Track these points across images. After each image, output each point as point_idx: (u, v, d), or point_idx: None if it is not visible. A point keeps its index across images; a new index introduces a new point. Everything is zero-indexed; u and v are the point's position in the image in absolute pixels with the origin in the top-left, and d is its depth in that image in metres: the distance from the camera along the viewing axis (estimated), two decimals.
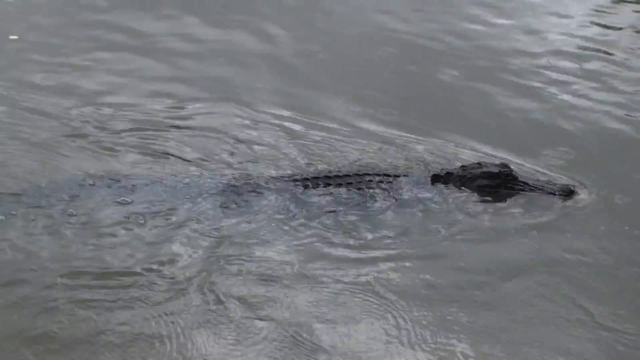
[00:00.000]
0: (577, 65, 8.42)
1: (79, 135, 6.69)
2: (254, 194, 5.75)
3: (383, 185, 5.74)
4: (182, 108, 7.27)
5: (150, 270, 5.12)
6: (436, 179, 5.83)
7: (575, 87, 7.92)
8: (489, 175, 5.77)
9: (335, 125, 6.79)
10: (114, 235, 5.44)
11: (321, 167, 6.17)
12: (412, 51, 8.65)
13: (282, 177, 5.90)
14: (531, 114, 7.27)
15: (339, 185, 5.73)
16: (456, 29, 9.23)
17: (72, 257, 5.21)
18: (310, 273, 5.09)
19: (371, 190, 5.71)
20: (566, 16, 9.82)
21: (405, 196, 5.71)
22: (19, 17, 9.18)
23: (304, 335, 4.63)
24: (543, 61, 8.49)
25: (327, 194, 5.70)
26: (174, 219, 5.60)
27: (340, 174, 5.83)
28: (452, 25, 9.31)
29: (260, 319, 4.71)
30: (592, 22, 9.65)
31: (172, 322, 4.66)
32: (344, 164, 6.13)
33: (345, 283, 5.00)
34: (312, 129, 6.75)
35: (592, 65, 8.42)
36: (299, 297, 4.88)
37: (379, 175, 5.81)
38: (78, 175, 6.09)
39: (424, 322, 4.69)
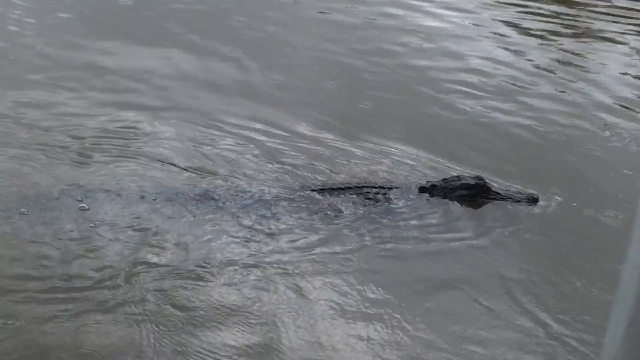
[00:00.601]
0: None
1: (47, 145, 6.91)
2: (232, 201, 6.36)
3: (378, 196, 6.58)
4: (155, 120, 7.67)
5: (104, 278, 5.28)
6: (422, 190, 6.70)
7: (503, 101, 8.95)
8: (467, 187, 6.64)
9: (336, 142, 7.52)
10: (62, 241, 5.61)
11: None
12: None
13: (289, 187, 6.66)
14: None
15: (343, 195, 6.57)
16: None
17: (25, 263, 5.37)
18: (248, 274, 5.45)
19: (368, 200, 6.53)
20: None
21: (396, 205, 6.53)
22: None
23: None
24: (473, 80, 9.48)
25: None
26: (127, 226, 5.88)
27: (343, 186, 6.64)
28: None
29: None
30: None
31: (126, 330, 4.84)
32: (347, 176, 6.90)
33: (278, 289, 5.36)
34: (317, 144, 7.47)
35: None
36: (229, 298, 5.21)
37: (375, 187, 6.66)
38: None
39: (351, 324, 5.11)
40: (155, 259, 5.56)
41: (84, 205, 6.06)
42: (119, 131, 7.43)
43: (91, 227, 5.85)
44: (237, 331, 4.95)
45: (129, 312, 5.01)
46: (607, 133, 8.20)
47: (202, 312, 5.08)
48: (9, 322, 4.84)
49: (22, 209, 5.92)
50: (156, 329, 4.89)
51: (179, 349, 4.76)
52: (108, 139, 7.24)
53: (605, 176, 7.36)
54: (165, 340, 4.81)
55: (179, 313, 5.05)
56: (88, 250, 5.62)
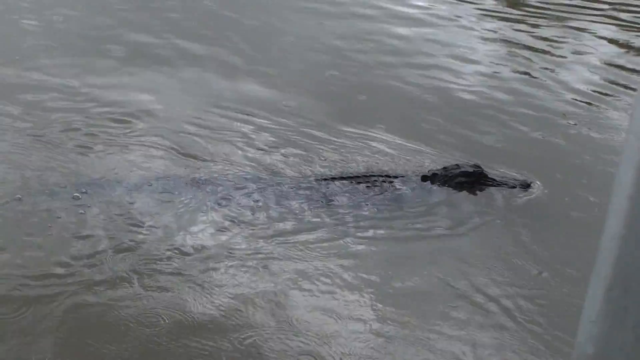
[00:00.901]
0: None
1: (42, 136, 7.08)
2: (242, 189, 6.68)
3: (385, 185, 6.98)
4: (151, 106, 7.94)
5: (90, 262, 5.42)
6: (424, 178, 7.06)
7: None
8: (466, 174, 6.98)
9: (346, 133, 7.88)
10: (52, 228, 5.71)
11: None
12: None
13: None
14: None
15: (352, 183, 6.98)
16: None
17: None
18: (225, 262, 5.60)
19: (376, 188, 6.94)
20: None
21: (401, 193, 6.91)
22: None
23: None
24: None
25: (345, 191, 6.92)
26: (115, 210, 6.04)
27: (352, 175, 7.04)
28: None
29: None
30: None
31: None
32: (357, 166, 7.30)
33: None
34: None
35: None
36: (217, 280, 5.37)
37: (381, 176, 7.07)
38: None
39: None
40: (150, 249, 5.67)
41: (77, 194, 6.19)
42: (115, 117, 7.62)
43: (81, 213, 5.97)
44: (222, 321, 5.07)
45: (123, 305, 5.11)
46: (570, 122, 8.51)
47: (192, 304, 5.21)
48: None
49: (17, 195, 6.01)
50: (150, 322, 5.01)
51: (175, 342, 4.90)
52: (103, 125, 7.43)
53: (571, 162, 7.66)
54: (160, 335, 4.92)
55: (174, 305, 5.17)
56: (77, 238, 5.70)
